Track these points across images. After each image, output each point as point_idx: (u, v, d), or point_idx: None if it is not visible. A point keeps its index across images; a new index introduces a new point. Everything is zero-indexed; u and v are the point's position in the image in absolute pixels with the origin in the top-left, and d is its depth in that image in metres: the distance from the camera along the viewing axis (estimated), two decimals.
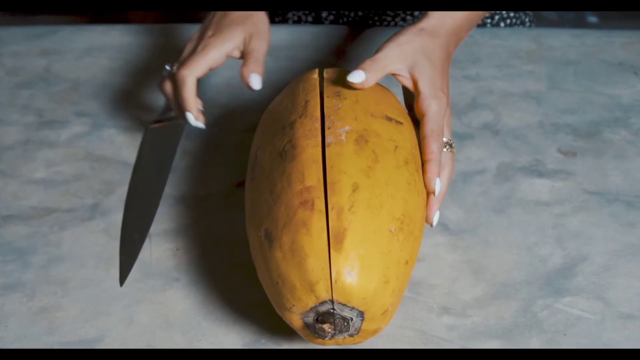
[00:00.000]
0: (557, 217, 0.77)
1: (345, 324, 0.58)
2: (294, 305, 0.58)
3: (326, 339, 0.58)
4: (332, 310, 0.57)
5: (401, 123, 0.66)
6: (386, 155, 0.62)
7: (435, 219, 0.66)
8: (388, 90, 0.71)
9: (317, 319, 0.58)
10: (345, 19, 1.08)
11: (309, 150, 0.61)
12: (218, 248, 0.75)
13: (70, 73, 1.02)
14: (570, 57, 1.02)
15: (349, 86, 0.68)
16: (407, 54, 0.69)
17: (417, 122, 0.69)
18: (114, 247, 0.75)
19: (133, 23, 1.13)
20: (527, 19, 1.11)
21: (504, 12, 1.08)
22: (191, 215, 0.79)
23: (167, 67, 0.79)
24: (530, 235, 0.75)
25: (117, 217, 0.78)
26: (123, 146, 0.89)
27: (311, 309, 0.58)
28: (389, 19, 1.06)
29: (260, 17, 0.79)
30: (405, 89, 0.72)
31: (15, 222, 0.79)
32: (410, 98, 0.71)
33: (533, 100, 0.94)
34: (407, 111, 0.71)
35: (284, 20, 1.11)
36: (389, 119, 0.66)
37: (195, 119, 0.77)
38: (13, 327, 0.68)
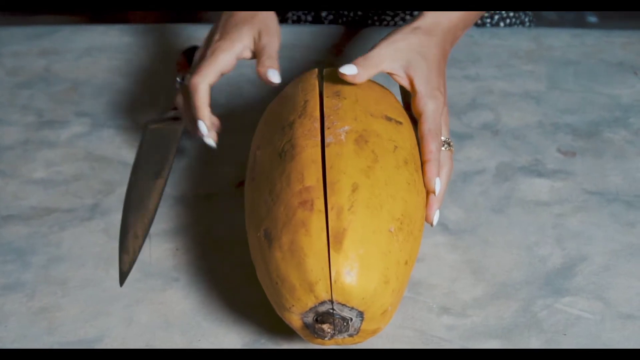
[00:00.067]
0: (556, 217, 0.77)
1: (345, 324, 0.58)
2: (293, 306, 0.58)
3: (326, 339, 0.58)
4: (331, 311, 0.57)
5: (401, 123, 0.66)
6: (386, 155, 0.62)
7: (435, 219, 0.66)
8: (388, 90, 0.71)
9: (316, 319, 0.58)
10: (344, 19, 1.08)
11: (309, 150, 0.61)
12: (218, 248, 0.75)
13: (70, 73, 1.02)
14: (570, 57, 1.02)
15: (349, 86, 0.68)
16: (401, 52, 0.69)
17: (415, 121, 0.69)
18: (113, 247, 0.75)
19: (133, 23, 1.13)
20: (526, 19, 1.11)
21: (503, 12, 1.08)
22: (191, 215, 0.79)
23: (178, 80, 0.78)
24: (530, 235, 0.75)
25: (117, 217, 0.78)
26: (123, 146, 0.89)
27: (311, 309, 0.58)
28: (388, 18, 1.06)
29: (267, 14, 0.77)
30: (402, 89, 0.72)
31: (15, 222, 0.79)
32: (408, 97, 0.71)
33: (533, 100, 0.94)
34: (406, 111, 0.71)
35: (284, 20, 1.11)
36: (389, 119, 0.66)
37: (208, 129, 0.73)
38: (13, 327, 0.68)
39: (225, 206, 0.80)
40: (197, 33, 1.06)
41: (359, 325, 0.59)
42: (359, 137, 0.62)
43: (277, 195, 0.60)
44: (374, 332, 0.60)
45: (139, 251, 0.74)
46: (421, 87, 0.68)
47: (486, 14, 1.08)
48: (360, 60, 0.68)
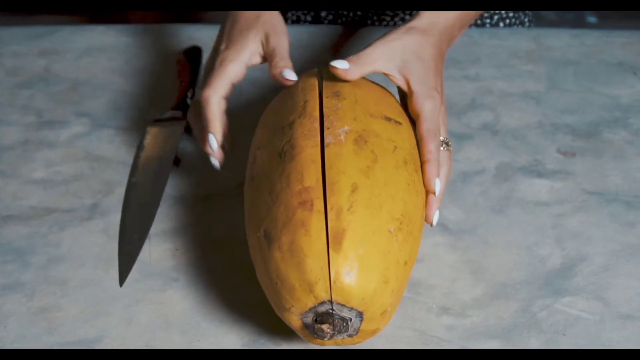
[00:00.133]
0: (556, 217, 0.77)
1: (344, 324, 0.58)
2: (293, 306, 0.58)
3: (325, 339, 0.58)
4: (331, 311, 0.57)
5: (400, 123, 0.66)
6: (385, 156, 0.62)
7: (435, 219, 0.66)
8: (387, 90, 0.71)
9: (316, 320, 0.58)
10: (344, 19, 1.08)
11: (308, 151, 0.61)
12: (217, 248, 0.75)
13: (70, 73, 1.02)
14: (569, 57, 1.02)
15: (348, 86, 0.67)
16: (395, 52, 0.69)
17: (414, 121, 0.69)
18: (113, 247, 0.75)
19: (133, 23, 1.13)
20: (526, 19, 1.11)
21: (503, 12, 1.08)
22: (191, 215, 0.79)
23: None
24: (529, 235, 0.75)
25: (117, 217, 0.78)
26: (122, 146, 0.89)
27: (310, 309, 0.58)
28: (387, 19, 1.06)
29: (271, 13, 0.75)
30: (400, 89, 0.72)
31: (14, 222, 0.79)
32: (406, 98, 0.71)
33: (532, 100, 0.94)
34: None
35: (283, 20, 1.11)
36: (388, 119, 0.66)
37: (217, 144, 0.70)
38: (13, 327, 0.68)
39: (225, 206, 0.80)
40: (197, 33, 1.07)
41: (358, 325, 0.59)
42: (359, 137, 0.62)
43: (277, 195, 0.60)
44: (374, 332, 0.60)
45: (139, 251, 0.74)
46: (417, 88, 0.68)
47: (486, 14, 1.08)
48: (353, 57, 0.68)
